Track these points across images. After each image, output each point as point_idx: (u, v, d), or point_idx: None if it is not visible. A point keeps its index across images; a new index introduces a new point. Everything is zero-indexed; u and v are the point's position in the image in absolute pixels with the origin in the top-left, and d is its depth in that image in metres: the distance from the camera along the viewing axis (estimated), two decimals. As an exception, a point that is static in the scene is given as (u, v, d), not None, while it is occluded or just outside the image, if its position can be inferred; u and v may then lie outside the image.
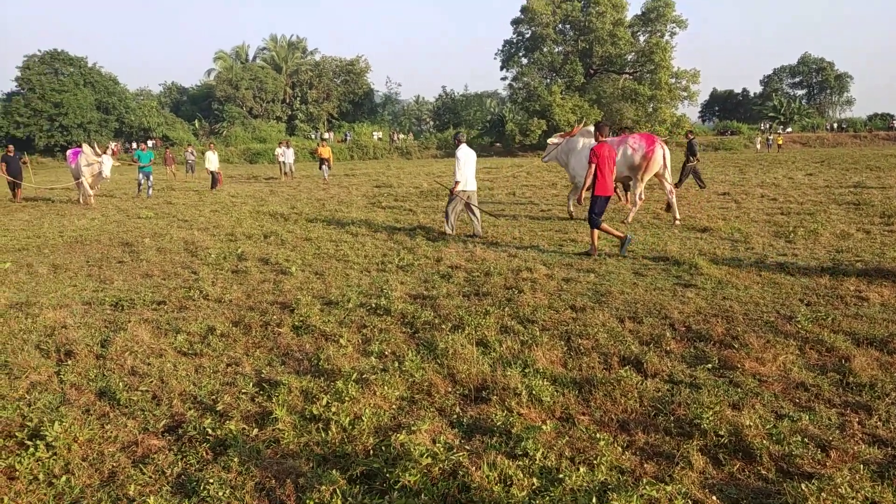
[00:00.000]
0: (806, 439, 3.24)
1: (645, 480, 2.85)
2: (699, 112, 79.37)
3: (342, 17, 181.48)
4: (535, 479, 2.89)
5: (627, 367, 4.17)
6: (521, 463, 3.04)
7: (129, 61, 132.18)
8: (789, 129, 59.22)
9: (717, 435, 3.29)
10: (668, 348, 4.62)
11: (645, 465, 3.09)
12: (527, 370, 4.20)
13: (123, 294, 6.56)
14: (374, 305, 5.84)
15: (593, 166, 8.03)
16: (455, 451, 3.13)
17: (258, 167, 40.97)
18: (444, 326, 5.19)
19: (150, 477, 3.08)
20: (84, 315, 5.85)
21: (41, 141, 50.23)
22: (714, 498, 2.81)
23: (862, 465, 2.97)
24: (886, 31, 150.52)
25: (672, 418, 3.53)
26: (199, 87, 69.67)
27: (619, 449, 3.22)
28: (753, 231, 9.54)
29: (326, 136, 55.52)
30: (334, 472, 2.98)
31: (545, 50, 55.52)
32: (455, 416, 3.67)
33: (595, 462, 3.04)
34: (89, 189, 16.17)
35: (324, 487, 2.86)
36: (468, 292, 6.38)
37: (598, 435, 3.30)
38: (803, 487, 2.76)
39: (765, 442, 3.20)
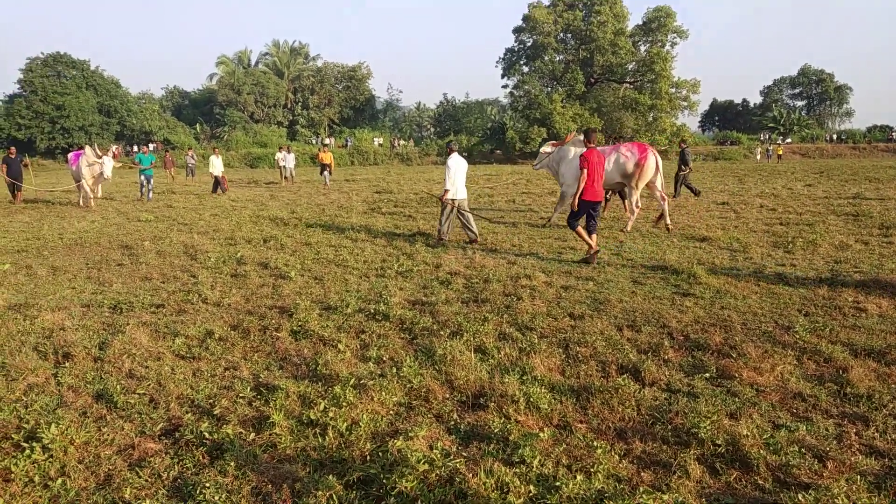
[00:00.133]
0: (803, 449, 3.24)
1: (642, 489, 2.85)
2: (699, 122, 79.74)
3: (345, 24, 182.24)
4: (531, 487, 2.88)
5: (625, 376, 4.17)
6: (518, 470, 3.03)
7: (132, 65, 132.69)
8: (789, 140, 59.42)
9: (714, 444, 3.29)
10: (666, 357, 4.62)
11: (642, 474, 3.08)
12: (525, 377, 4.20)
13: (122, 297, 6.56)
14: (372, 311, 5.84)
15: (584, 171, 8.12)
16: (452, 457, 3.13)
17: (259, 171, 41.03)
18: (442, 333, 5.19)
19: (147, 480, 3.08)
20: (82, 317, 5.84)
21: (42, 143, 50.35)
22: (711, 507, 2.80)
23: (859, 476, 2.97)
24: (886, 43, 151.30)
25: (669, 427, 3.53)
26: (201, 91, 69.93)
27: (617, 457, 3.22)
28: (752, 241, 9.55)
29: (327, 141, 55.65)
30: (331, 477, 2.98)
31: (546, 58, 55.76)
32: (452, 423, 3.66)
33: (592, 470, 3.04)
34: (90, 192, 16.19)
35: (320, 493, 2.85)
36: (467, 299, 6.39)
37: (595, 443, 3.30)
38: (800, 498, 2.76)
39: (762, 452, 3.20)
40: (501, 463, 3.10)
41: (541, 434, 3.36)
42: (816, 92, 73.68)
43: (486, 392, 4.00)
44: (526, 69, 57.21)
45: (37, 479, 3.07)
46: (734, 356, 4.55)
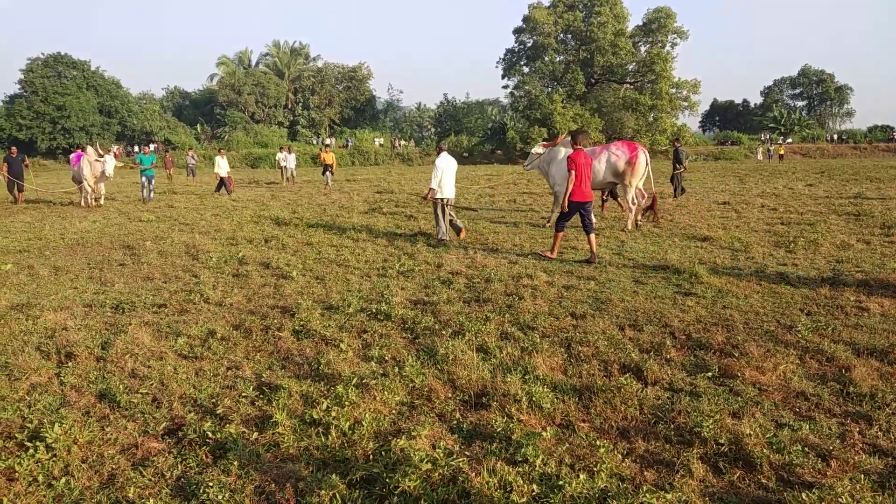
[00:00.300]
0: (806, 448, 3.24)
1: (645, 488, 2.85)
2: (700, 122, 79.72)
3: (345, 25, 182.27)
4: (534, 486, 2.88)
5: (628, 375, 4.16)
6: (520, 469, 3.03)
7: (132, 65, 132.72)
8: (789, 140, 59.40)
9: (717, 443, 3.29)
10: (668, 356, 4.62)
11: (645, 473, 3.08)
12: (527, 377, 4.20)
13: (124, 297, 6.56)
14: (374, 310, 5.84)
15: (572, 173, 8.19)
16: (455, 456, 3.13)
17: (260, 172, 41.04)
18: (444, 332, 5.19)
19: (150, 479, 3.08)
20: (85, 317, 5.85)
21: (43, 143, 50.40)
22: (714, 506, 2.80)
23: (862, 475, 2.97)
24: (887, 43, 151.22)
25: (672, 426, 3.53)
26: (202, 91, 70.00)
27: (619, 456, 3.22)
28: (754, 241, 9.55)
29: (328, 141, 55.68)
30: (334, 476, 2.98)
31: (546, 59, 55.79)
32: (455, 422, 3.66)
33: (595, 469, 3.04)
34: (90, 192, 16.20)
35: (323, 492, 2.85)
36: (469, 298, 6.39)
37: (598, 442, 3.30)
38: (804, 497, 2.75)
39: (765, 451, 3.20)
40: (504, 462, 3.10)
41: (543, 433, 3.36)
42: (817, 92, 73.67)
43: (489, 391, 4.00)
44: (526, 70, 57.25)
45: (41, 478, 3.08)
46: (736, 355, 4.55)
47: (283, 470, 3.12)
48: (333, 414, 3.61)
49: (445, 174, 9.93)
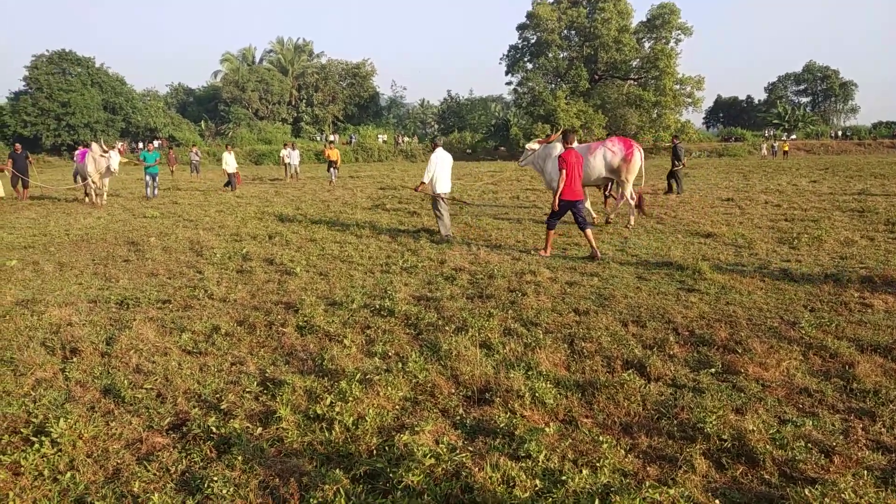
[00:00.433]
0: (809, 444, 3.24)
1: (648, 483, 2.85)
2: (703, 118, 79.34)
3: (349, 21, 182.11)
4: (537, 481, 2.89)
5: (631, 371, 4.17)
6: (523, 464, 3.04)
7: (137, 62, 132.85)
8: (793, 137, 59.10)
9: (720, 439, 3.29)
10: (671, 352, 4.62)
11: (648, 469, 3.09)
12: (530, 372, 4.21)
13: (129, 292, 6.59)
14: (377, 306, 5.85)
15: (563, 172, 8.22)
16: (458, 451, 3.14)
17: (263, 168, 41.05)
18: (447, 328, 5.20)
19: (155, 474, 3.10)
20: (89, 313, 5.87)
21: (48, 140, 50.46)
22: (717, 502, 2.80)
23: (866, 471, 2.97)
24: (892, 39, 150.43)
25: (675, 422, 3.54)
26: (206, 88, 70.00)
27: (622, 452, 3.22)
28: (757, 237, 9.53)
29: (332, 138, 55.68)
30: (338, 471, 2.99)
31: (550, 55, 55.58)
32: (458, 418, 3.67)
33: (598, 464, 3.05)
34: (93, 186, 16.24)
35: (327, 486, 2.86)
36: (472, 294, 6.39)
37: (601, 438, 3.31)
38: (807, 492, 2.75)
39: (768, 446, 3.20)
40: (507, 457, 3.11)
41: (546, 429, 3.37)
42: (821, 88, 73.24)
43: (492, 387, 4.01)
44: (530, 66, 57.07)
45: (46, 472, 3.10)
46: (740, 351, 4.55)
47: (287, 465, 3.13)
48: (337, 409, 3.62)
49: (439, 169, 10.05)
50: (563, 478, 2.90)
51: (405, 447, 3.16)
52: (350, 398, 3.76)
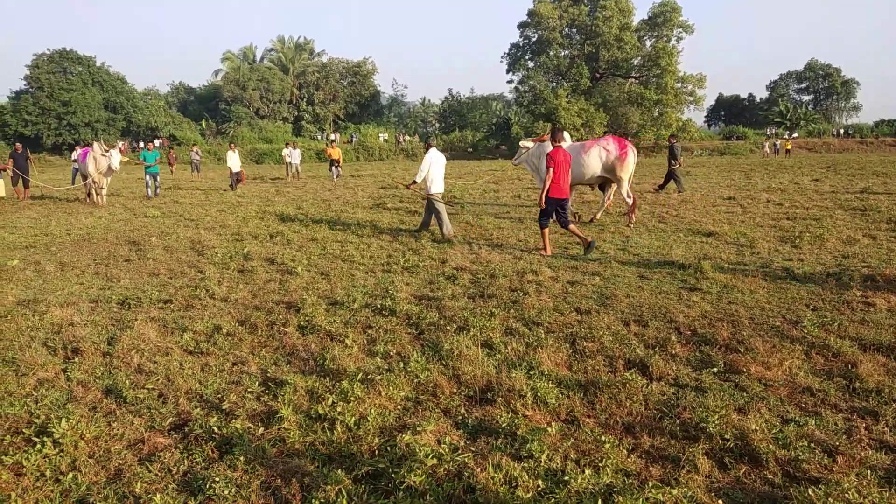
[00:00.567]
0: (812, 444, 3.23)
1: (650, 483, 2.85)
2: (705, 117, 79.22)
3: (350, 19, 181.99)
4: (540, 481, 2.89)
5: (633, 370, 4.16)
6: (526, 464, 3.04)
7: (138, 61, 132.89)
8: (795, 135, 59.00)
9: (722, 439, 3.28)
10: (673, 352, 4.61)
11: (650, 468, 3.08)
12: (532, 372, 4.20)
13: (130, 292, 6.59)
14: (379, 306, 5.85)
15: (551, 170, 8.24)
16: (460, 451, 3.14)
17: (264, 167, 41.05)
18: (449, 328, 5.19)
19: (157, 475, 3.10)
20: (91, 313, 5.87)
21: (49, 139, 50.49)
22: (720, 502, 2.80)
23: (869, 471, 2.96)
24: (894, 37, 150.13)
25: (678, 422, 3.53)
26: (207, 87, 69.98)
27: (625, 452, 3.22)
28: (759, 236, 9.51)
29: (333, 137, 55.67)
30: (339, 471, 2.99)
31: (551, 53, 55.53)
32: (460, 417, 3.67)
33: (600, 464, 3.04)
34: (93, 185, 16.25)
35: (329, 487, 2.86)
36: (473, 294, 6.39)
37: (603, 437, 3.30)
38: (810, 492, 2.75)
39: (771, 446, 3.19)
40: (509, 457, 3.11)
41: (549, 428, 3.36)
42: (823, 86, 73.09)
43: (494, 387, 4.01)
44: (531, 64, 57.03)
45: (48, 473, 3.10)
46: (742, 351, 4.54)
47: (289, 465, 3.13)
48: (339, 409, 3.61)
49: (433, 169, 10.11)
50: (566, 478, 2.89)
51: (407, 447, 3.16)
52: (352, 398, 3.76)
